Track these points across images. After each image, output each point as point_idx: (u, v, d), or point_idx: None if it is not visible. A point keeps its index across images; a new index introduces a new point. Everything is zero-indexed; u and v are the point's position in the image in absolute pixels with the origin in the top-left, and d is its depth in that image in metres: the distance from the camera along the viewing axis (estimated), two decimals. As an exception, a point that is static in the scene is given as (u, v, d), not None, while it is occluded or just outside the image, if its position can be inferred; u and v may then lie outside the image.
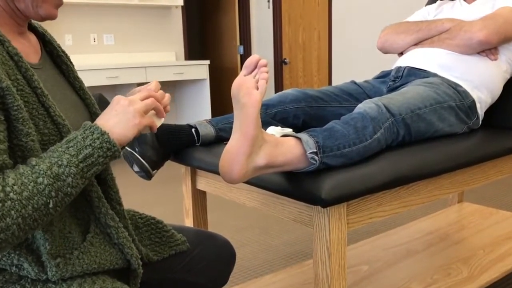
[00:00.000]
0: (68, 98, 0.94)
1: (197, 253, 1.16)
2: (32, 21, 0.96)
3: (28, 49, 0.91)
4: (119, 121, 0.83)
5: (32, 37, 0.95)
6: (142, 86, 0.98)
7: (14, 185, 0.70)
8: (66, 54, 1.01)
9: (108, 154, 0.81)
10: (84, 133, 0.80)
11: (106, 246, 0.92)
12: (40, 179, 0.73)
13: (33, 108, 0.81)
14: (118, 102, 0.86)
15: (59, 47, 1.00)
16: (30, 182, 0.72)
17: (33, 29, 0.97)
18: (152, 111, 0.92)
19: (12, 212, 0.69)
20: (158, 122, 0.93)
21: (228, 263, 1.22)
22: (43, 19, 0.89)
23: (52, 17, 0.89)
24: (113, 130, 0.82)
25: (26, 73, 0.82)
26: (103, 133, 0.80)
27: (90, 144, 0.79)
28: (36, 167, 0.74)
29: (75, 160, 0.77)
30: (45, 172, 0.73)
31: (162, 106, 0.93)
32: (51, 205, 0.74)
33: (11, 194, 0.69)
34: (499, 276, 1.74)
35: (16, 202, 0.70)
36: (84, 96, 0.99)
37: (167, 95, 0.97)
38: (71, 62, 1.01)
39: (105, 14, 5.17)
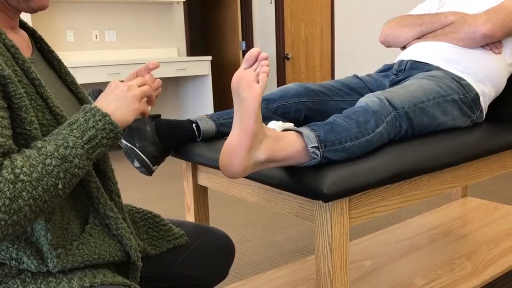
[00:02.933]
0: (61, 92, 0.95)
1: (196, 247, 1.16)
2: (22, 19, 0.97)
3: (21, 44, 0.92)
4: (120, 105, 0.85)
5: (23, 33, 0.96)
6: (138, 69, 1.01)
7: (23, 167, 0.70)
8: (55, 52, 1.02)
9: (111, 136, 0.82)
10: (85, 115, 0.81)
11: (105, 237, 0.92)
12: (48, 161, 0.73)
13: (32, 99, 0.81)
14: (116, 87, 0.87)
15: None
16: (39, 164, 0.72)
17: (22, 25, 0.98)
18: (144, 98, 0.94)
19: (24, 193, 0.69)
20: (148, 109, 0.97)
21: (227, 256, 1.21)
22: (34, 11, 0.90)
23: (44, 8, 0.90)
24: (114, 113, 0.84)
25: (24, 64, 0.82)
26: (104, 115, 0.81)
27: (93, 126, 0.79)
28: (43, 149, 0.74)
29: (80, 141, 0.77)
30: (52, 154, 0.74)
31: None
32: (60, 186, 0.74)
33: (21, 175, 0.70)
34: (503, 271, 1.73)
35: (26, 183, 0.70)
36: (76, 90, 1.00)
37: (158, 81, 1.01)
38: (60, 59, 1.02)
39: (107, 10, 5.16)
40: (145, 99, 0.95)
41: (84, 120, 0.80)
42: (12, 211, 0.68)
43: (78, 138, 0.77)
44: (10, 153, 0.73)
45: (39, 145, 0.75)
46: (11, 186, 0.68)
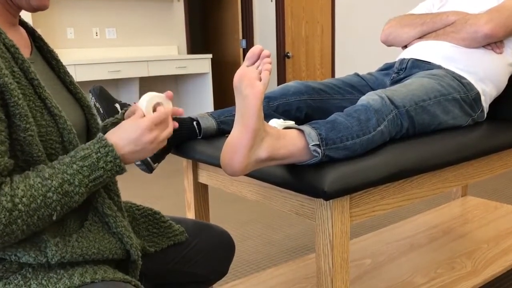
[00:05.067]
0: (60, 92, 0.95)
1: (196, 244, 1.16)
2: (22, 17, 0.98)
3: (20, 43, 0.92)
4: (136, 152, 0.88)
5: (23, 31, 0.96)
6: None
7: (23, 197, 0.74)
8: (54, 51, 1.02)
9: (115, 175, 0.86)
10: (99, 151, 0.83)
11: (105, 234, 0.93)
12: (50, 194, 0.77)
13: (30, 100, 0.82)
14: (142, 135, 0.87)
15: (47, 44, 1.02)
16: (40, 196, 0.76)
17: (22, 24, 0.98)
18: None
19: (19, 220, 0.74)
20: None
21: (227, 252, 1.21)
22: (35, 10, 0.91)
23: (44, 8, 0.91)
24: (126, 156, 0.87)
25: (23, 65, 0.83)
26: (116, 158, 0.84)
27: (103, 167, 0.83)
28: (48, 181, 0.77)
29: (86, 180, 0.82)
30: (56, 189, 0.78)
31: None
32: (54, 217, 0.80)
33: (20, 205, 0.74)
34: (503, 270, 1.73)
35: (23, 213, 0.75)
36: (75, 90, 1.00)
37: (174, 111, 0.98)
38: (59, 59, 1.02)
39: (107, 7, 5.15)
40: None
41: (97, 158, 0.83)
42: (4, 233, 0.73)
43: (85, 177, 0.81)
44: (5, 170, 0.75)
45: (46, 175, 0.78)
46: (7, 214, 0.72)
